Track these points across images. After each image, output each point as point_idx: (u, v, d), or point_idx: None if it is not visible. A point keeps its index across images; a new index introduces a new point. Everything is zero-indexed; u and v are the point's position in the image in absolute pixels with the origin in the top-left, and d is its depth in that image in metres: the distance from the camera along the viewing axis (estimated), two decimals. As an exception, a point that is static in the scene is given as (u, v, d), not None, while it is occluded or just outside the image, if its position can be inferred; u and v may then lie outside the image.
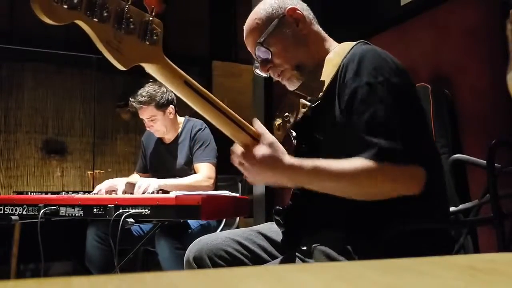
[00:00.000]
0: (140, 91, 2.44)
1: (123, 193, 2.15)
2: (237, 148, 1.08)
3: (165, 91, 2.45)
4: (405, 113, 1.05)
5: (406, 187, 1.01)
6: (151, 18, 0.92)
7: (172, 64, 0.96)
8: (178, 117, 2.58)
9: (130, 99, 2.46)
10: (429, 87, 1.66)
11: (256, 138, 1.07)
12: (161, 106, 2.43)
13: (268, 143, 1.05)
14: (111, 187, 2.20)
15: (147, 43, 0.92)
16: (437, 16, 2.05)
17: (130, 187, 2.21)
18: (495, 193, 1.14)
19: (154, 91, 2.42)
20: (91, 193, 2.22)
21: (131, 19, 0.88)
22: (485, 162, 1.19)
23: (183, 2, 4.34)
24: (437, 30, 2.05)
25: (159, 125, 2.47)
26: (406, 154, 1.00)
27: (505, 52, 0.51)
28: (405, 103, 1.07)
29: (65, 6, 0.78)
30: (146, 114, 2.44)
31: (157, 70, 0.95)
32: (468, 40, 1.90)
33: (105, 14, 0.83)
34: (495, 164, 1.18)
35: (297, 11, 1.24)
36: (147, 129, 2.55)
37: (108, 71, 4.22)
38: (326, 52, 1.24)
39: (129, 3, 0.88)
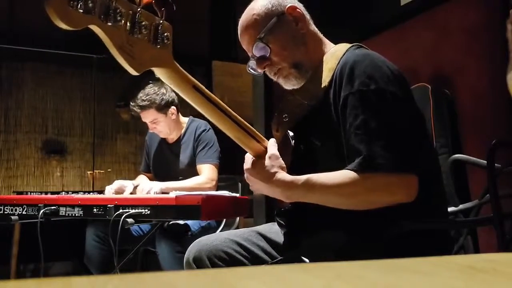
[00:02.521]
0: (140, 95, 2.41)
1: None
2: (246, 159, 1.13)
3: (164, 92, 2.42)
4: (398, 121, 1.04)
5: (396, 196, 1.00)
6: (161, 22, 0.92)
7: (181, 68, 0.96)
8: (182, 117, 2.56)
9: (131, 103, 2.43)
10: (429, 87, 1.66)
11: (259, 141, 1.11)
12: (162, 108, 2.41)
13: (268, 156, 1.08)
14: (120, 188, 2.18)
15: (158, 47, 0.91)
16: (437, 16, 2.05)
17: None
18: (495, 193, 1.14)
19: (154, 93, 2.39)
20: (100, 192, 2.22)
21: (143, 23, 0.88)
22: (485, 162, 1.19)
23: (183, 2, 4.33)
24: (437, 30, 2.04)
25: (162, 127, 2.45)
26: (397, 162, 0.99)
27: (505, 52, 0.51)
28: (398, 110, 1.05)
29: (81, 11, 0.76)
30: (148, 117, 2.42)
31: (166, 74, 0.94)
32: (468, 40, 1.90)
33: (119, 18, 0.83)
34: (495, 164, 1.18)
35: (297, 9, 1.23)
36: (151, 131, 2.54)
37: (108, 71, 4.21)
38: (323, 52, 1.24)
39: (141, 6, 0.87)
